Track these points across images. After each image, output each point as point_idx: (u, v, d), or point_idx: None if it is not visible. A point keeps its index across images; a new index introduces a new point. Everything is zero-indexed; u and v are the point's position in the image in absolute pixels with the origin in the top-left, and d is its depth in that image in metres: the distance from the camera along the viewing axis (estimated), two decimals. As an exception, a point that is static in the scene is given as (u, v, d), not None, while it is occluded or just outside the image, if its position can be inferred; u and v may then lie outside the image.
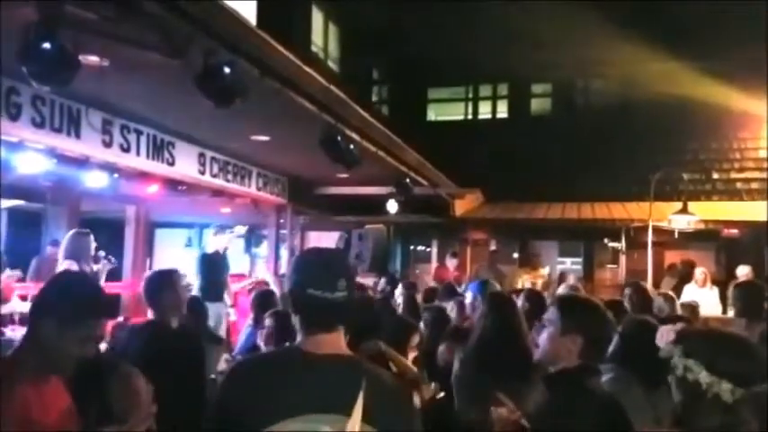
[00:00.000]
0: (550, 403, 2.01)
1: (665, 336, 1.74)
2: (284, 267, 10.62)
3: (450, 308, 4.83)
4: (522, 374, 2.75)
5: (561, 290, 4.69)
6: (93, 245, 6.63)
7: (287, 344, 2.43)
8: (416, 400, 3.00)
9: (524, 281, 9.19)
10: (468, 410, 2.95)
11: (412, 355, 3.37)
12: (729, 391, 1.48)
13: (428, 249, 14.38)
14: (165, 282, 3.42)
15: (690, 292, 7.81)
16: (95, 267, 6.67)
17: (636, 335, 2.58)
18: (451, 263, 10.40)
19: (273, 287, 6.14)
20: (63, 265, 6.14)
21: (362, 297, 3.91)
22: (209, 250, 7.72)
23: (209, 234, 8.14)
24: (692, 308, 5.19)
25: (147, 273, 4.00)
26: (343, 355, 1.66)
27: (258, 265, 11.36)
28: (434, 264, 12.89)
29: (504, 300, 3.56)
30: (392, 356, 3.08)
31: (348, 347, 1.70)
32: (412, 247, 14.59)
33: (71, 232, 6.56)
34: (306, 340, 1.65)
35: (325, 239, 12.17)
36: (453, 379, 3.28)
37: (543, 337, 2.14)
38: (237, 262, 10.90)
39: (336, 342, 1.66)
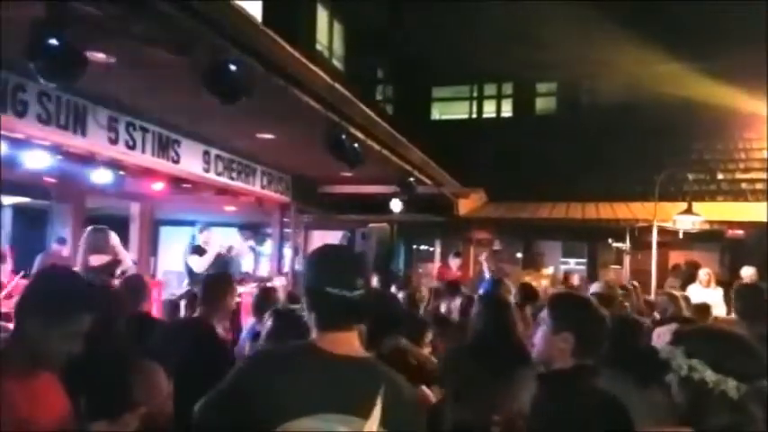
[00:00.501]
0: (547, 404, 1.97)
1: (661, 337, 1.74)
2: (287, 266, 10.64)
3: (455, 306, 4.84)
4: (516, 369, 2.76)
5: (594, 288, 4.67)
6: (117, 239, 6.76)
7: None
8: (431, 394, 3.01)
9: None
10: (461, 408, 2.94)
11: (426, 351, 3.38)
12: (735, 388, 1.50)
13: (431, 249, 14.39)
14: (227, 286, 3.47)
15: (694, 293, 7.78)
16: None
17: (621, 333, 2.54)
18: (454, 263, 10.40)
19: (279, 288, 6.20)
20: (92, 260, 6.30)
21: (380, 293, 3.94)
22: (199, 269, 7.26)
23: (199, 238, 7.64)
24: (704, 308, 5.11)
25: (206, 273, 4.04)
26: (361, 357, 1.66)
27: (262, 264, 11.40)
28: (438, 263, 12.89)
29: (499, 299, 3.60)
30: (412, 351, 3.09)
31: (368, 343, 1.69)
32: (415, 247, 14.59)
33: (89, 228, 6.68)
34: (321, 338, 1.64)
35: (329, 238, 12.17)
36: (446, 376, 3.24)
37: (537, 337, 2.11)
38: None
39: (351, 340, 1.66)
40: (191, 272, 7.34)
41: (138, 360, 2.23)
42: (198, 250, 7.41)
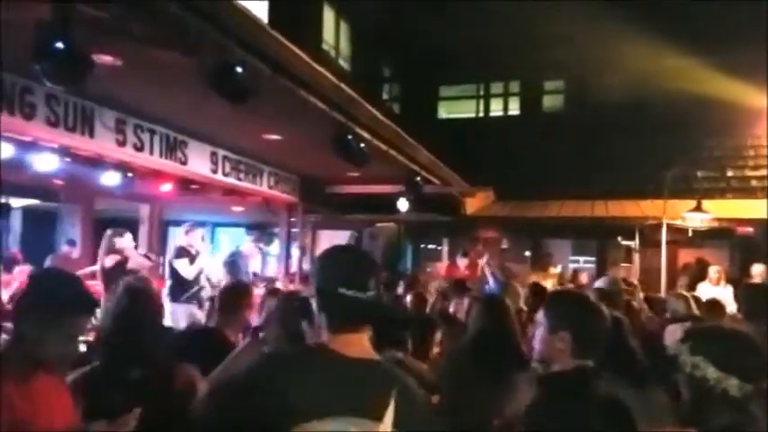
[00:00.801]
0: (546, 408, 1.90)
1: (673, 334, 1.72)
2: (295, 266, 10.65)
3: (463, 306, 4.82)
4: (513, 372, 2.73)
5: (599, 283, 4.62)
6: (133, 243, 6.81)
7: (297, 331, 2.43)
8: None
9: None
10: (459, 411, 2.92)
11: (436, 350, 3.35)
12: (737, 387, 1.48)
13: (439, 248, 14.36)
14: (246, 297, 3.43)
15: (704, 291, 7.73)
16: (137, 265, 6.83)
17: (612, 334, 2.45)
18: (462, 262, 10.36)
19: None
20: (106, 261, 6.41)
21: (387, 298, 3.92)
22: (188, 275, 6.95)
23: (179, 232, 7.39)
24: (716, 305, 5.03)
25: (225, 283, 4.01)
26: (373, 359, 1.65)
27: (269, 264, 11.42)
28: (445, 262, 12.86)
29: (497, 301, 3.55)
30: (411, 363, 3.06)
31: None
32: (422, 246, 14.57)
33: (108, 232, 6.76)
34: (333, 339, 1.63)
35: (336, 238, 12.18)
36: (441, 378, 3.19)
37: (536, 338, 2.05)
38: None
39: (363, 342, 1.65)
40: (176, 275, 6.98)
41: (180, 363, 2.24)
42: (184, 252, 7.05)
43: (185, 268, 6.98)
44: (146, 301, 2.60)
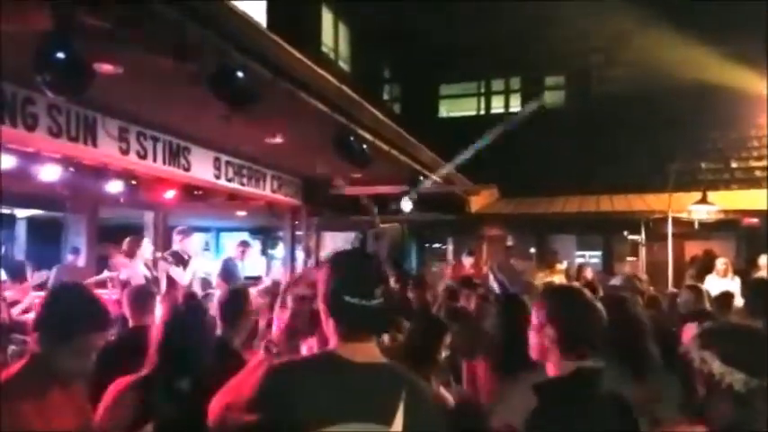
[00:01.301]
0: (547, 414, 1.83)
1: (689, 332, 1.71)
2: (300, 268, 10.65)
3: (472, 303, 4.81)
4: (522, 372, 2.70)
5: (615, 282, 4.58)
6: (151, 248, 6.82)
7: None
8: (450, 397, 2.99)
9: (541, 279, 9.09)
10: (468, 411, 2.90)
11: (445, 353, 3.33)
12: (743, 382, 1.47)
13: (444, 247, 14.35)
14: (246, 302, 3.40)
15: (711, 283, 7.69)
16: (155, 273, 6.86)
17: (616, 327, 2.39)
18: (468, 261, 10.35)
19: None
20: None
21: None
22: (183, 281, 6.89)
23: (175, 238, 7.36)
24: (725, 298, 4.98)
25: (220, 291, 4.02)
26: (380, 363, 1.65)
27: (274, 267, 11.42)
28: (451, 261, 12.85)
29: (516, 300, 3.52)
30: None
31: None
32: (427, 245, 14.55)
33: (127, 240, 6.79)
34: (341, 346, 1.63)
35: (340, 240, 12.18)
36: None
37: (531, 336, 2.00)
38: (254, 265, 10.93)
39: (371, 349, 1.65)
40: (170, 281, 6.86)
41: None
42: (178, 257, 7.03)
43: (179, 274, 6.96)
44: (198, 313, 2.62)
